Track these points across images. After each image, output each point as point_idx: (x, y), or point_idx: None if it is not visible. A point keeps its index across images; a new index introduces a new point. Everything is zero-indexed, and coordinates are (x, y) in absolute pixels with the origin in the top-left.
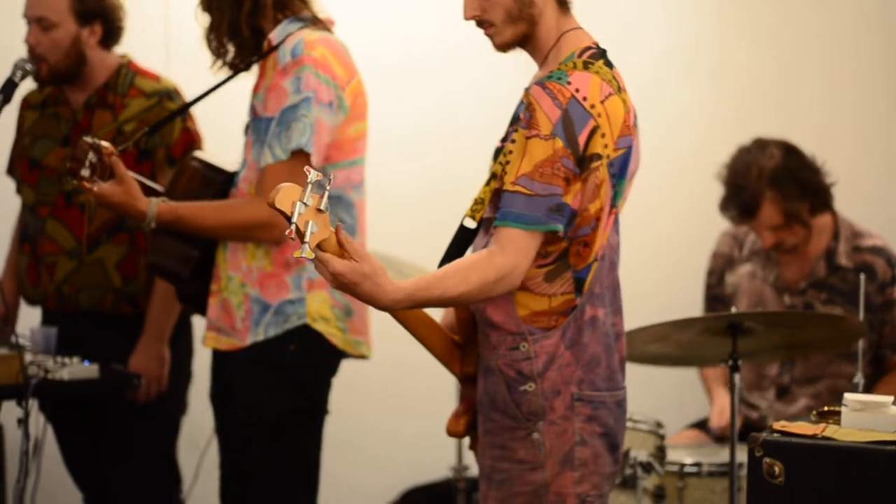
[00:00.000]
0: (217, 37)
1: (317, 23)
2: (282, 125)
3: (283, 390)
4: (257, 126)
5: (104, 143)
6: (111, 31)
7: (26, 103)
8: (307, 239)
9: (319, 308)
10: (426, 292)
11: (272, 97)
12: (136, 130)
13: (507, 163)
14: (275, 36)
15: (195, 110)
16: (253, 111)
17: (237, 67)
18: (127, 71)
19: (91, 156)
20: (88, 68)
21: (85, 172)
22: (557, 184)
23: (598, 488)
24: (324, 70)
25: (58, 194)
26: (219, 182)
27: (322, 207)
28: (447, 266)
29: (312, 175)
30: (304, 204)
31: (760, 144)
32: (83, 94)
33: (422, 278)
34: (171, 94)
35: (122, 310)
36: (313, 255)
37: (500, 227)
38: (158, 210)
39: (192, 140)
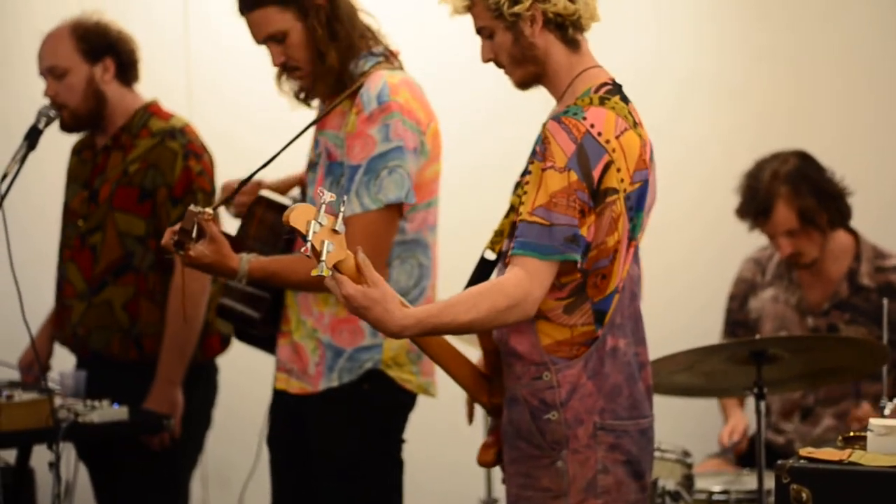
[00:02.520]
0: (310, 70)
1: (389, 58)
2: (370, 174)
3: (361, 432)
4: (334, 170)
5: (207, 210)
6: (125, 65)
7: (72, 151)
8: (323, 257)
9: (395, 354)
10: (436, 319)
11: (358, 144)
12: (139, 171)
13: (525, 193)
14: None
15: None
16: (328, 153)
17: (304, 101)
18: (144, 113)
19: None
20: (109, 109)
21: (191, 243)
22: (573, 215)
23: None
24: (409, 116)
25: (76, 237)
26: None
27: (337, 228)
28: (458, 294)
29: (326, 196)
30: (319, 223)
31: (777, 154)
32: (105, 137)
33: (432, 305)
34: (174, 132)
35: (130, 354)
36: (330, 274)
37: (516, 255)
38: (250, 268)
39: (191, 179)
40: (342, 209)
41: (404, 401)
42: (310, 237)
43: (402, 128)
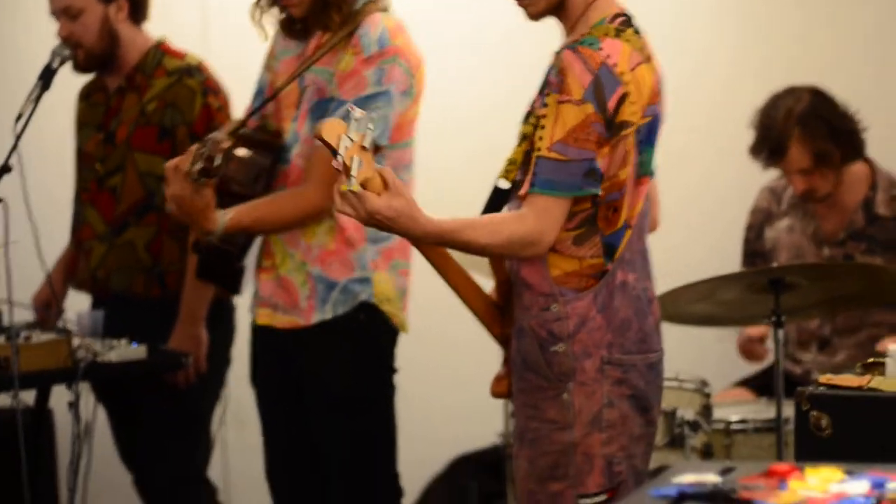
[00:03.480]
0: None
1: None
2: None
3: (359, 363)
4: (321, 105)
5: (228, 139)
6: (137, 4)
7: (80, 96)
8: (353, 173)
9: (385, 289)
10: (456, 234)
11: (350, 82)
12: (157, 110)
13: (542, 127)
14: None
15: (224, 71)
16: (317, 89)
17: (299, 34)
18: (156, 52)
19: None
20: (122, 49)
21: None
22: (591, 148)
23: (626, 450)
24: (405, 59)
25: (92, 180)
26: (268, 164)
27: (366, 145)
28: (482, 217)
29: (356, 112)
30: (350, 139)
31: (791, 90)
32: (117, 78)
33: (454, 220)
34: (191, 70)
35: (153, 292)
36: (360, 189)
37: (534, 193)
38: (225, 227)
39: (212, 116)
40: (371, 126)
41: (392, 334)
42: (341, 152)
43: (396, 71)
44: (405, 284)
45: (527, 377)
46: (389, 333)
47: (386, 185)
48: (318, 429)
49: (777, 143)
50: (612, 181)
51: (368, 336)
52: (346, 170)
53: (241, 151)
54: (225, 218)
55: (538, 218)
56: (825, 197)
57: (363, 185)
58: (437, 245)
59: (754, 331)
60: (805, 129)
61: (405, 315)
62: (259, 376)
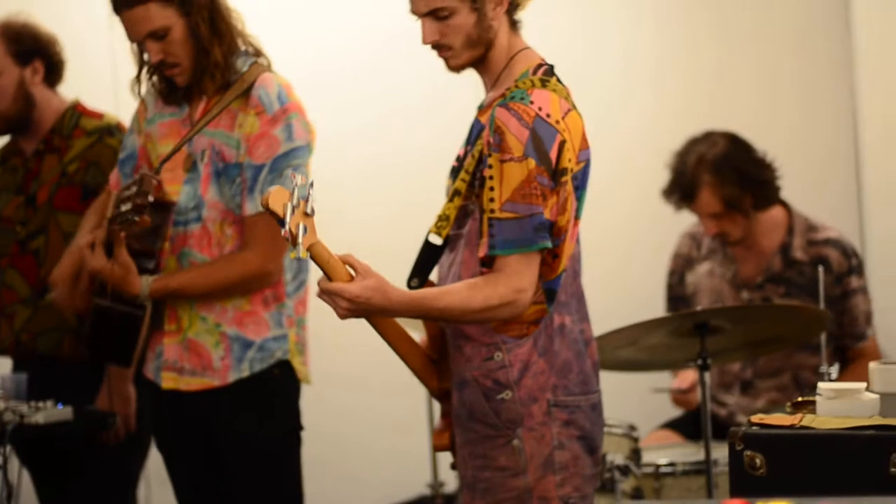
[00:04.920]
0: (189, 67)
1: (259, 57)
2: (274, 172)
3: (273, 420)
4: (229, 171)
5: (158, 177)
6: (52, 67)
7: None
8: (300, 241)
9: (296, 344)
10: (432, 302)
11: (262, 144)
12: (80, 170)
13: (491, 189)
14: (238, 75)
15: None
16: (219, 154)
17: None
18: (73, 113)
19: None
20: (37, 112)
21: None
22: (536, 202)
23: (580, 490)
24: (303, 115)
25: (14, 243)
26: (163, 222)
27: (308, 212)
28: (454, 284)
29: (298, 179)
30: (294, 207)
31: (708, 135)
32: (33, 141)
33: (428, 290)
34: (111, 129)
35: (79, 353)
36: (307, 256)
37: (497, 255)
38: (151, 290)
39: None
40: (310, 193)
41: (298, 387)
42: (288, 221)
43: (301, 128)
44: (305, 338)
45: (474, 428)
46: (297, 387)
47: (349, 264)
48: (232, 482)
49: (688, 188)
50: (555, 228)
51: (281, 390)
52: (294, 238)
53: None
54: (148, 281)
55: (509, 278)
56: (738, 241)
57: (310, 251)
58: (411, 316)
59: (683, 382)
60: (716, 175)
61: (307, 368)
62: (165, 440)
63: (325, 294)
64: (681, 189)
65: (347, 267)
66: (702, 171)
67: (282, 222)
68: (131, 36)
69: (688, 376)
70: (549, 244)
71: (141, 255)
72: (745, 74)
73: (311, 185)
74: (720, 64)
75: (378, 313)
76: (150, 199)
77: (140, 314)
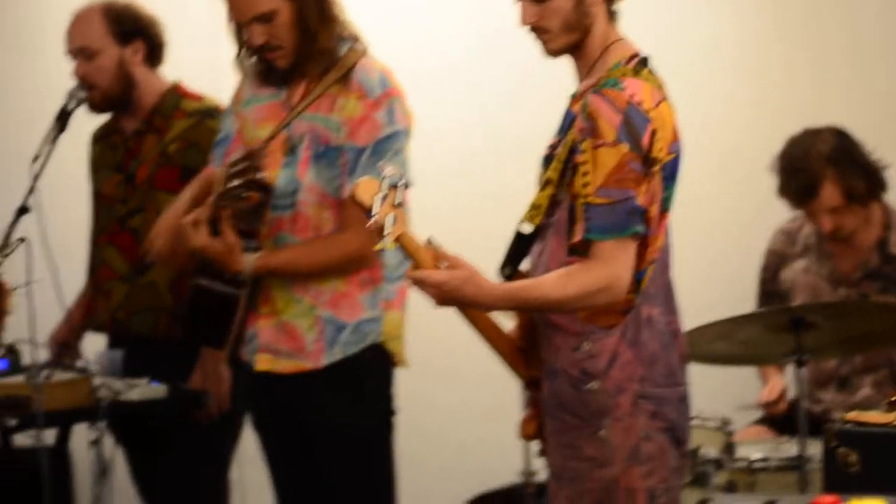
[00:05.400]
0: (292, 51)
1: (357, 43)
2: (375, 155)
3: (365, 404)
4: (329, 154)
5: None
6: (154, 48)
7: (93, 139)
8: (387, 232)
9: (394, 327)
10: (526, 293)
11: (364, 127)
12: (179, 150)
13: (584, 174)
14: (337, 60)
15: None
16: (318, 137)
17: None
18: (173, 95)
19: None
20: (137, 91)
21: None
22: (630, 187)
23: (666, 482)
24: (403, 100)
25: (113, 221)
26: (264, 203)
27: (397, 203)
28: (549, 273)
29: (387, 170)
30: (382, 198)
31: (812, 132)
32: (134, 120)
33: (522, 281)
34: (211, 111)
35: (174, 333)
36: (394, 247)
37: (592, 240)
38: (254, 267)
39: None
40: (401, 183)
41: (393, 370)
42: (375, 212)
43: (401, 112)
44: (405, 321)
45: (562, 417)
46: (390, 371)
47: (438, 257)
48: (323, 465)
49: (809, 184)
50: (646, 217)
51: (373, 375)
52: (380, 230)
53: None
54: (251, 260)
55: (605, 264)
56: (851, 234)
57: (399, 241)
58: (506, 308)
59: (772, 393)
60: (837, 167)
61: (405, 352)
62: (262, 422)
63: (414, 282)
64: (799, 186)
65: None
66: (822, 166)
67: (369, 213)
68: (237, 17)
69: (775, 386)
70: (642, 229)
71: (244, 235)
72: (836, 69)
73: (402, 176)
74: (812, 59)
75: (471, 304)
76: (260, 175)
77: (238, 294)
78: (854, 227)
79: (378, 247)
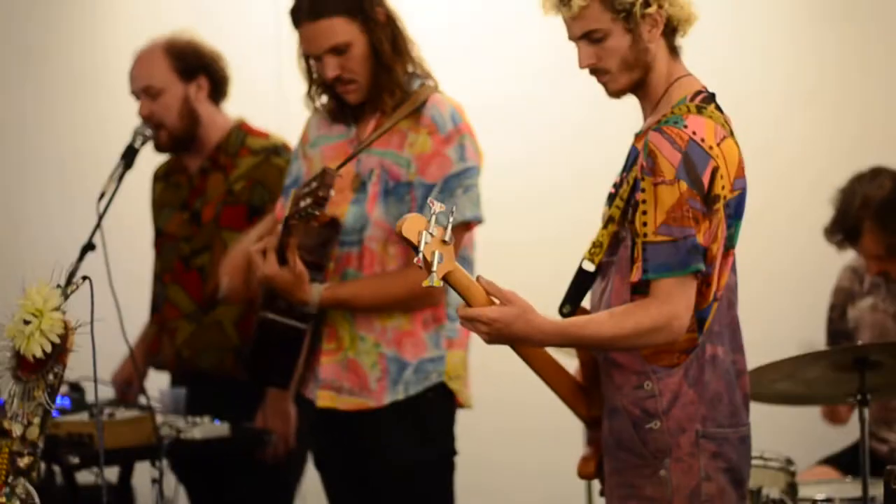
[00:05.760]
0: (366, 84)
1: (428, 79)
2: (445, 192)
3: (426, 444)
4: (398, 190)
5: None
6: (217, 83)
7: (155, 177)
8: (434, 269)
9: (457, 367)
10: (579, 330)
11: (435, 163)
12: (245, 188)
13: (644, 213)
14: (408, 95)
15: None
16: (387, 173)
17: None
18: (238, 132)
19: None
20: (202, 129)
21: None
22: (689, 224)
23: None
24: (474, 137)
25: (177, 259)
26: (333, 237)
27: (447, 239)
28: (602, 311)
29: (436, 206)
30: (430, 234)
31: (875, 173)
32: (199, 158)
33: (576, 318)
34: (278, 149)
35: (240, 371)
36: (441, 284)
37: (652, 279)
38: (322, 298)
39: None
40: (451, 220)
41: (455, 410)
42: (422, 248)
43: (472, 149)
44: (467, 361)
45: (621, 456)
46: (454, 410)
47: (490, 294)
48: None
49: (852, 230)
50: (707, 255)
51: (436, 414)
52: (428, 265)
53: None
54: (319, 289)
55: (663, 302)
56: None
57: (446, 279)
58: (558, 345)
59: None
60: (880, 220)
61: (470, 391)
62: (323, 460)
63: (464, 320)
64: (844, 230)
65: (492, 297)
66: (866, 215)
67: (416, 249)
68: (310, 49)
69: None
70: (702, 267)
71: (311, 267)
72: None
73: (452, 212)
74: (887, 95)
75: (523, 341)
76: (332, 192)
77: (304, 328)
78: None
79: (425, 283)
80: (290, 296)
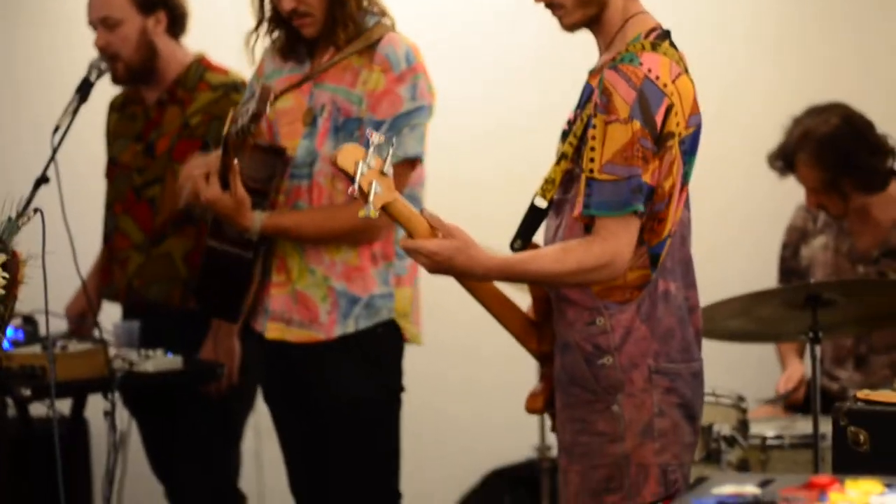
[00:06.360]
0: (321, 18)
1: (384, 17)
2: (393, 130)
3: (374, 378)
4: (348, 125)
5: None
6: (176, 18)
7: (111, 107)
8: (371, 199)
9: (405, 305)
10: (522, 265)
11: (385, 101)
12: (202, 123)
13: (592, 149)
14: (363, 32)
15: None
16: (338, 108)
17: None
18: (198, 67)
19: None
20: (161, 62)
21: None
22: (637, 164)
23: (679, 458)
24: (427, 76)
25: (129, 190)
26: (281, 167)
27: (385, 171)
28: (547, 246)
29: (375, 138)
30: (367, 165)
31: (828, 108)
32: (156, 91)
33: (520, 253)
34: (237, 86)
35: (189, 304)
36: (377, 215)
37: (595, 216)
38: (262, 226)
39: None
40: (390, 151)
41: (402, 347)
42: (357, 178)
43: (425, 88)
44: (418, 299)
45: (573, 392)
46: (401, 347)
47: (433, 228)
48: (329, 437)
49: (788, 158)
50: (657, 192)
51: (384, 350)
52: (364, 195)
53: (255, 150)
54: (261, 217)
55: (604, 240)
56: (840, 216)
57: (385, 209)
58: (502, 280)
59: (789, 382)
60: (815, 154)
61: (418, 329)
62: (272, 392)
63: (406, 251)
64: (783, 158)
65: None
66: (803, 147)
67: (352, 179)
68: None
69: (793, 374)
70: (642, 208)
71: (255, 193)
72: (872, 48)
73: (392, 144)
74: (847, 36)
75: (465, 275)
76: (269, 108)
77: (249, 257)
78: (839, 212)
79: (361, 214)
80: (232, 221)
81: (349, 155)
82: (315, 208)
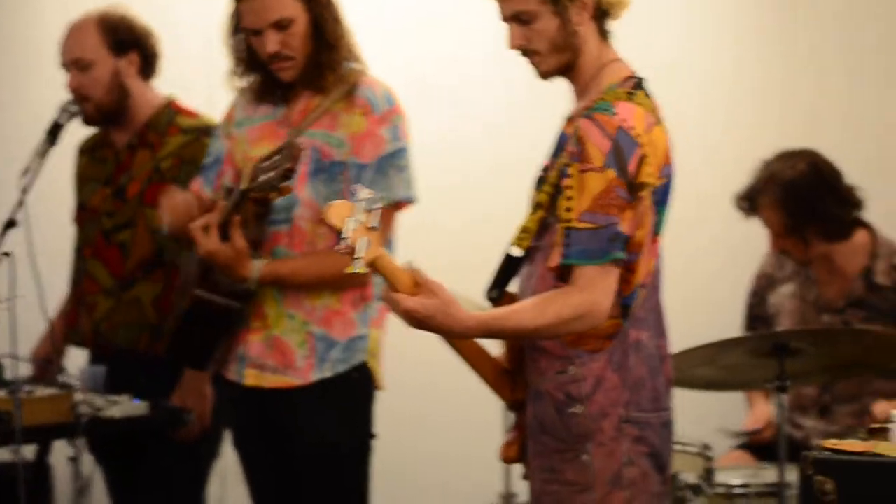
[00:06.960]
0: (302, 62)
1: (357, 61)
2: (379, 172)
3: (350, 424)
4: (332, 168)
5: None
6: (148, 59)
7: (80, 151)
8: (360, 255)
9: (374, 346)
10: (501, 322)
11: (368, 143)
12: (173, 167)
13: (569, 198)
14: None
15: None
16: (319, 153)
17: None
18: (168, 110)
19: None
20: (132, 104)
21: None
22: (614, 213)
23: None
24: (405, 119)
25: (98, 234)
26: (265, 213)
27: (373, 225)
28: (524, 301)
29: (363, 193)
30: (356, 220)
31: (795, 154)
32: (126, 134)
33: (498, 309)
34: (208, 129)
35: (156, 349)
36: (366, 271)
37: (573, 265)
38: (262, 273)
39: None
40: (377, 206)
41: (374, 394)
42: (346, 234)
43: (405, 129)
44: (383, 338)
45: (544, 440)
46: (373, 392)
47: (417, 283)
48: (300, 483)
49: (753, 201)
50: (632, 242)
51: (358, 395)
52: (352, 252)
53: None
54: (259, 266)
55: (583, 289)
56: (802, 262)
57: (373, 265)
58: (483, 337)
59: (758, 423)
60: (779, 198)
61: (381, 371)
62: (243, 438)
63: (387, 304)
64: (748, 199)
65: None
66: (768, 190)
67: (340, 236)
68: (253, 22)
69: (761, 415)
70: (622, 256)
71: (251, 244)
72: (837, 94)
73: (379, 198)
74: (814, 84)
75: (443, 333)
76: (297, 164)
77: (238, 307)
78: (800, 257)
79: (348, 270)
80: (231, 272)
81: (339, 211)
82: (309, 254)
